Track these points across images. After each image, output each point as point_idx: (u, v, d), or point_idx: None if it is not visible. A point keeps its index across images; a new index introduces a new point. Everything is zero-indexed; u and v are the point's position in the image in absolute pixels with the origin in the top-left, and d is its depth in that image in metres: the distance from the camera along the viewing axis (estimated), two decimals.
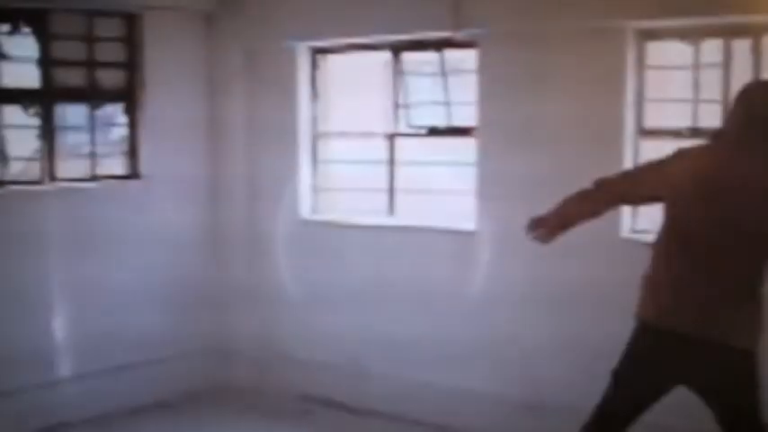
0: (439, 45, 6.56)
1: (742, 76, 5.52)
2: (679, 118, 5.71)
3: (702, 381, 4.03)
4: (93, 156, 6.89)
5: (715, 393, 4.03)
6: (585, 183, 4.29)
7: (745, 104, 4.06)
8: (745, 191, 3.93)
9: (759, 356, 3.99)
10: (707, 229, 3.96)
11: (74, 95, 6.81)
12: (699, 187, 3.98)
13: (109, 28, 6.90)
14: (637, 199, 4.54)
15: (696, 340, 3.95)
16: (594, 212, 4.36)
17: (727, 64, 5.56)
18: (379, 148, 6.88)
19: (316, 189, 7.25)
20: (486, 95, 6.25)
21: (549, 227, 4.33)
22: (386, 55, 6.87)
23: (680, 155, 4.15)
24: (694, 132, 5.59)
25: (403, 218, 6.83)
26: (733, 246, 3.94)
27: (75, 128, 7.05)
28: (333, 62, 7.22)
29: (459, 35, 6.30)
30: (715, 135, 4.26)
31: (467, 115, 6.47)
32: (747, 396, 4.02)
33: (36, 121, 6.60)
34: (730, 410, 4.03)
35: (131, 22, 6.97)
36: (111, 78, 6.96)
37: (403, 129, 6.85)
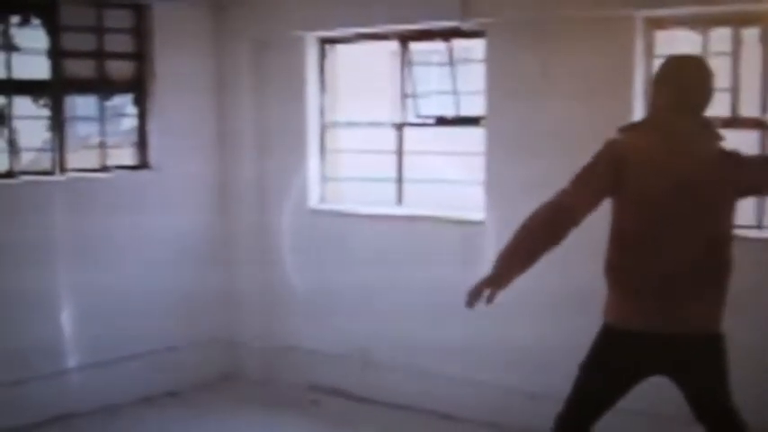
0: (447, 35, 6.56)
1: (751, 65, 5.54)
2: None
3: (675, 370, 4.01)
4: (102, 146, 6.92)
5: (690, 379, 4.01)
6: None
7: (674, 88, 3.96)
8: (693, 174, 3.89)
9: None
10: (664, 217, 3.90)
11: (83, 86, 6.84)
12: (649, 169, 3.90)
13: (118, 19, 6.91)
14: (596, 204, 4.01)
15: (666, 336, 3.91)
16: (557, 242, 3.97)
17: (736, 52, 5.56)
18: (388, 138, 6.89)
19: (324, 179, 7.26)
20: (494, 85, 6.25)
21: (491, 286, 3.95)
22: (394, 45, 6.87)
23: (613, 144, 3.99)
24: None
25: (411, 207, 6.84)
26: (689, 227, 3.90)
27: (85, 119, 7.10)
28: (341, 52, 7.23)
29: (467, 25, 6.29)
30: (642, 124, 4.16)
31: (475, 105, 6.47)
32: (721, 378, 4.01)
33: (46, 112, 6.63)
34: (704, 394, 4.02)
35: (140, 12, 6.99)
36: (120, 69, 6.98)
37: (411, 118, 6.86)
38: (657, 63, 5.63)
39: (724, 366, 4.00)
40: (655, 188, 3.88)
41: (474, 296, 3.94)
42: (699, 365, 3.97)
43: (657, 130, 3.98)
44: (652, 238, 3.91)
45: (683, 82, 3.97)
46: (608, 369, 4.04)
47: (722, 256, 3.97)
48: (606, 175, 3.93)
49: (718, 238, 3.96)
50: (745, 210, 5.53)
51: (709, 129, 4.02)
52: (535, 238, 3.96)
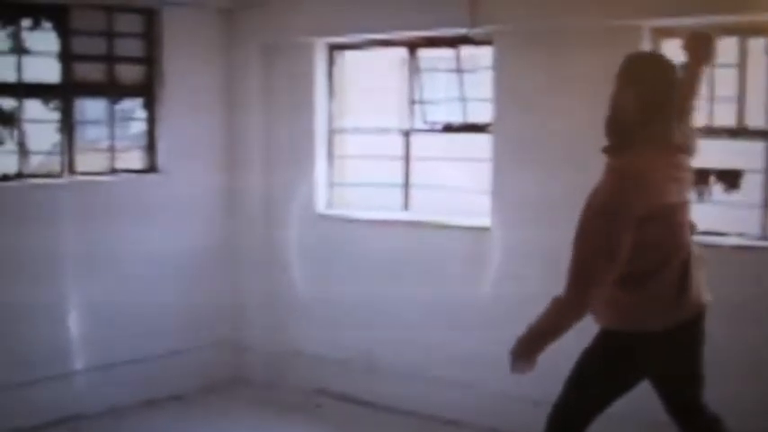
0: (455, 42, 6.58)
1: (757, 75, 5.55)
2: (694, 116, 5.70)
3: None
4: (111, 150, 6.95)
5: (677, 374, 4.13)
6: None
7: (641, 89, 3.91)
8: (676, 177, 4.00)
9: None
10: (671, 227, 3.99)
11: (93, 90, 6.88)
12: (655, 196, 3.90)
13: (128, 23, 6.95)
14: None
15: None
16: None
17: (742, 63, 5.56)
18: (395, 144, 6.91)
19: (331, 184, 7.29)
20: (502, 92, 6.26)
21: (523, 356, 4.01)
22: (402, 52, 6.90)
23: (623, 202, 3.77)
24: (709, 130, 5.60)
25: (417, 213, 6.85)
26: (684, 226, 4.07)
27: (95, 122, 7.12)
28: (350, 58, 7.26)
29: (475, 33, 6.31)
30: (613, 131, 4.03)
31: (482, 112, 6.49)
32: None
33: (56, 115, 6.66)
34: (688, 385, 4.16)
35: (151, 17, 7.02)
36: (130, 73, 7.01)
37: (418, 125, 6.88)
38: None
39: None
40: (661, 208, 3.91)
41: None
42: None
43: (649, 144, 3.93)
44: (666, 251, 3.97)
45: (650, 82, 3.95)
46: (629, 373, 4.09)
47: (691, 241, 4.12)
48: (627, 242, 3.77)
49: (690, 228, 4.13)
50: (751, 222, 5.57)
51: (677, 128, 4.04)
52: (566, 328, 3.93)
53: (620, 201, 3.76)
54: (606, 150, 4.01)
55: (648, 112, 3.93)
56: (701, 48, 4.35)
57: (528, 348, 3.99)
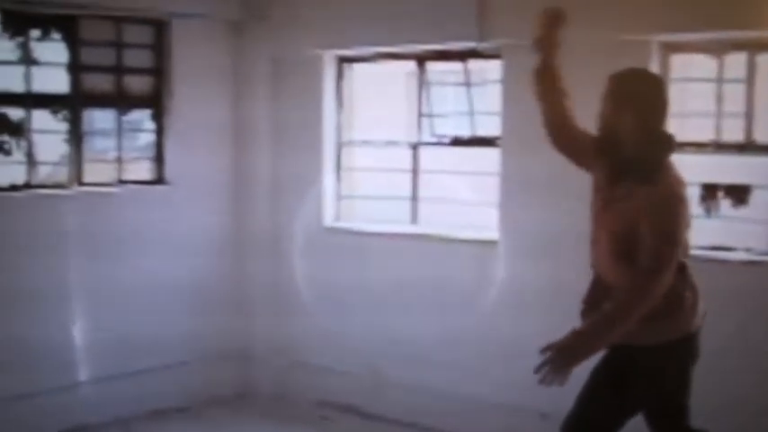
0: (463, 56, 6.59)
1: (765, 90, 5.55)
2: (702, 131, 5.71)
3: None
4: (119, 161, 6.96)
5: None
6: None
7: (642, 109, 3.94)
8: None
9: None
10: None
11: (102, 101, 6.89)
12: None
13: (137, 35, 6.98)
14: None
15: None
16: None
17: (750, 78, 5.56)
18: (403, 157, 6.92)
19: (339, 197, 7.29)
20: (510, 106, 6.26)
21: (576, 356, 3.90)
22: (411, 65, 6.92)
23: (683, 195, 3.97)
24: (717, 146, 5.60)
25: (426, 226, 6.86)
26: None
27: (103, 133, 7.14)
28: (358, 71, 7.27)
29: (483, 46, 6.33)
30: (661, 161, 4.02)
31: (490, 125, 6.50)
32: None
33: (64, 126, 6.68)
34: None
35: (160, 29, 7.04)
36: (138, 84, 7.03)
37: (427, 138, 6.89)
38: (672, 88, 5.73)
39: None
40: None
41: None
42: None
43: (672, 167, 4.01)
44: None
45: (650, 102, 3.98)
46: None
47: None
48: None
49: None
50: (759, 237, 5.56)
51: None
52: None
53: (685, 200, 3.92)
54: (639, 179, 3.94)
55: (651, 132, 3.95)
56: (550, 22, 4.40)
57: (587, 345, 3.88)
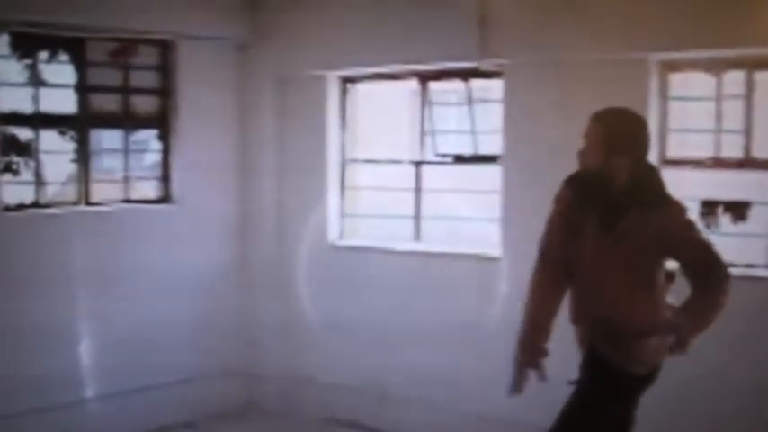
0: (465, 75, 6.67)
1: (763, 108, 5.61)
2: (701, 148, 5.77)
3: None
4: (126, 180, 7.02)
5: None
6: None
7: (637, 147, 4.08)
8: None
9: None
10: None
11: (109, 121, 6.95)
12: None
13: (144, 55, 7.05)
14: None
15: None
16: None
17: (748, 95, 5.62)
18: (406, 176, 6.97)
19: (343, 215, 7.35)
20: (511, 124, 6.33)
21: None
22: (413, 84, 6.98)
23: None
24: (716, 162, 5.65)
25: (428, 244, 6.91)
26: None
27: (110, 152, 7.19)
28: (361, 91, 7.34)
29: (485, 65, 6.40)
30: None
31: (492, 144, 6.56)
32: None
33: (72, 146, 6.74)
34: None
35: (166, 49, 7.12)
36: (145, 105, 7.10)
37: (429, 156, 6.95)
38: (671, 105, 5.78)
39: None
40: None
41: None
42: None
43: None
44: None
45: (640, 141, 4.11)
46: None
47: None
48: None
49: None
50: (759, 252, 5.60)
51: None
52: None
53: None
54: (648, 208, 4.04)
55: (642, 165, 4.09)
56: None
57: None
